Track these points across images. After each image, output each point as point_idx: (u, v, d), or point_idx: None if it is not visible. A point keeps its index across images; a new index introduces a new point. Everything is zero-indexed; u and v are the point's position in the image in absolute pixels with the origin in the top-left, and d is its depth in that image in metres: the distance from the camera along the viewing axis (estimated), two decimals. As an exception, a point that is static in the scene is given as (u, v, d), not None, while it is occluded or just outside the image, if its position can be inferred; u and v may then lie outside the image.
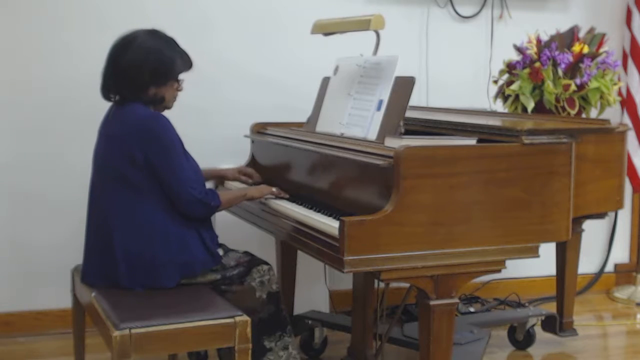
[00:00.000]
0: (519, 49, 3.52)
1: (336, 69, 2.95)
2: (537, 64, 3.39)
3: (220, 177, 3.04)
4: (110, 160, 2.44)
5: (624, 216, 4.39)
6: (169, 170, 2.40)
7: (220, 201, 2.50)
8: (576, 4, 4.16)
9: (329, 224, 2.27)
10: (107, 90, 2.52)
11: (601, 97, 3.43)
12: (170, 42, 2.52)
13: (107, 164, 2.45)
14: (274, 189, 2.73)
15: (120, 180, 2.41)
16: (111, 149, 2.45)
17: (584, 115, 3.48)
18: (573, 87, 3.35)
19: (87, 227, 2.52)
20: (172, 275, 2.41)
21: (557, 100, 3.38)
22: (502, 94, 3.59)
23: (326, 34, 3.04)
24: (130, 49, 2.45)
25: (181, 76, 2.54)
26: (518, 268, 3.98)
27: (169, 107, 2.57)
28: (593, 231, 3.98)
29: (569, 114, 3.37)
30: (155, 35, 2.51)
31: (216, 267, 2.52)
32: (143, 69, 2.44)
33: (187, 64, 2.54)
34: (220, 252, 2.56)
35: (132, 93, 2.46)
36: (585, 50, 3.41)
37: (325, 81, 3.01)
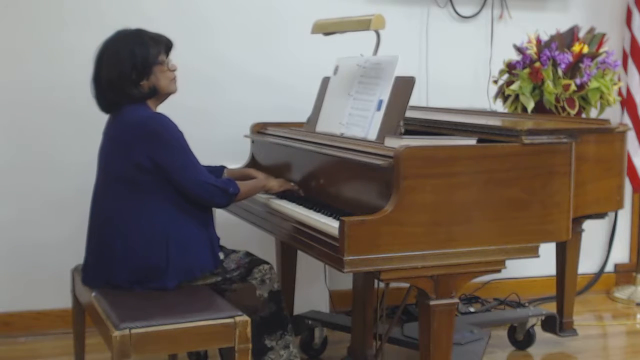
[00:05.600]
0: (519, 49, 3.52)
1: (336, 69, 2.95)
2: (537, 64, 3.39)
3: (251, 179, 2.87)
4: (112, 162, 2.44)
5: (624, 216, 4.39)
6: (180, 167, 2.39)
7: (239, 189, 2.51)
8: (576, 4, 4.16)
9: (329, 224, 2.27)
10: (104, 105, 2.52)
11: (601, 97, 3.43)
12: (137, 35, 2.49)
13: (110, 165, 2.45)
14: (292, 184, 2.74)
15: (123, 182, 2.40)
16: (114, 151, 2.44)
17: (584, 115, 3.48)
18: (573, 87, 3.35)
19: (89, 228, 2.52)
20: (171, 279, 2.40)
21: (557, 100, 3.38)
22: (502, 94, 3.59)
23: (326, 34, 3.04)
24: (104, 62, 2.45)
25: (167, 57, 2.51)
26: (518, 268, 3.98)
27: (172, 91, 2.54)
28: (593, 231, 3.98)
29: (569, 114, 3.37)
30: (120, 36, 2.49)
31: (217, 271, 2.52)
32: (123, 74, 2.43)
33: (162, 44, 2.51)
34: (221, 255, 2.55)
35: (127, 96, 2.45)
36: (585, 50, 3.41)
37: (325, 81, 3.01)
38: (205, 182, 2.43)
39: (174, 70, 2.54)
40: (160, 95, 2.52)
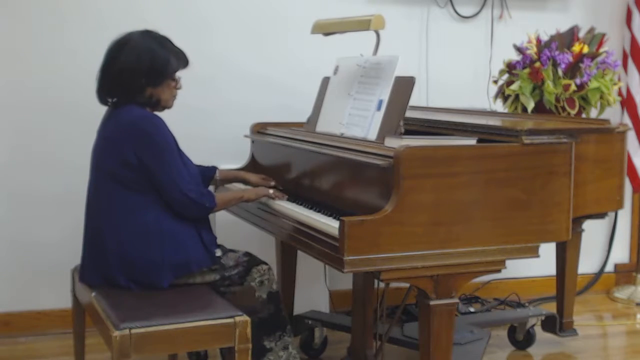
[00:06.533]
0: (519, 49, 3.52)
1: (336, 69, 2.95)
2: (537, 64, 3.39)
3: (244, 181, 2.94)
4: (104, 161, 2.45)
5: (624, 216, 4.39)
6: (162, 171, 2.39)
7: (215, 202, 2.49)
8: (576, 4, 4.16)
9: (329, 224, 2.27)
10: (103, 94, 2.52)
11: (601, 97, 3.43)
12: (164, 42, 2.51)
13: (102, 164, 2.46)
14: (270, 191, 2.72)
15: (114, 180, 2.41)
16: (105, 150, 2.45)
17: (584, 115, 3.48)
18: (573, 87, 3.35)
19: (84, 227, 2.53)
20: (166, 275, 2.40)
21: (557, 100, 3.38)
22: (502, 94, 3.59)
23: (326, 34, 3.04)
24: (124, 52, 2.44)
25: (178, 74, 2.53)
26: (518, 268, 3.98)
27: (169, 107, 2.56)
28: (593, 231, 3.98)
29: (569, 114, 3.37)
30: (148, 35, 2.50)
31: (215, 267, 2.52)
32: (137, 71, 2.43)
33: (182, 61, 2.53)
34: (219, 252, 2.55)
35: (128, 95, 2.46)
36: (585, 50, 3.41)
37: (325, 81, 3.01)
38: (182, 192, 2.41)
39: (178, 89, 2.56)
40: (158, 107, 2.53)
